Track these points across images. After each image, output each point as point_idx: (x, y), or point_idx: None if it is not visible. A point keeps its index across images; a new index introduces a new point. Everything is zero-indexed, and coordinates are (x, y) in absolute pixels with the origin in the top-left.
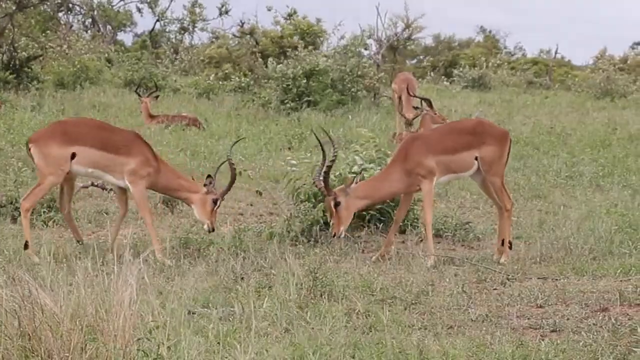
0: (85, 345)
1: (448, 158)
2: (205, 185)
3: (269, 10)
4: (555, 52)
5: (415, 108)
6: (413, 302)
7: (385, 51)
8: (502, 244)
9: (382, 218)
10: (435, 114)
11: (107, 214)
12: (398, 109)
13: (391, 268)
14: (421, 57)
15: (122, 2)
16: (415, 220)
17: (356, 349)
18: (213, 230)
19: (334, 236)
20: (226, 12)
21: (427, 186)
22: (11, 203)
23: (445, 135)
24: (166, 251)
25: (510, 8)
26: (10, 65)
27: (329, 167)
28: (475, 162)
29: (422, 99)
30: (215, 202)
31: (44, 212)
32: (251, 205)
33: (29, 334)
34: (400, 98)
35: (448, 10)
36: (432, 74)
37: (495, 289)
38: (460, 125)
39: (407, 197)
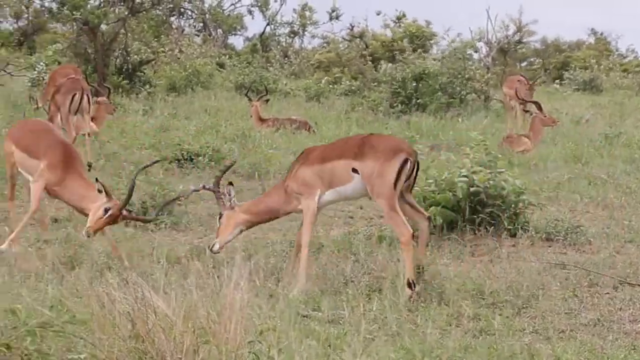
0: (198, 347)
1: (320, 167)
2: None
3: (378, 14)
4: None
5: (525, 111)
6: (523, 306)
7: (495, 54)
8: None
9: (492, 221)
10: (545, 116)
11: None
12: (509, 112)
13: (501, 272)
14: (532, 59)
15: (232, 6)
16: (526, 224)
17: (466, 352)
18: (88, 235)
19: (211, 249)
20: (337, 17)
21: (306, 202)
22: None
23: (325, 146)
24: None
25: (620, 12)
26: (123, 70)
27: (222, 172)
28: (355, 175)
29: (531, 102)
30: (106, 210)
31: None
32: (361, 208)
33: (142, 337)
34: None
35: (554, 12)
36: (543, 76)
37: (607, 293)
38: (346, 137)
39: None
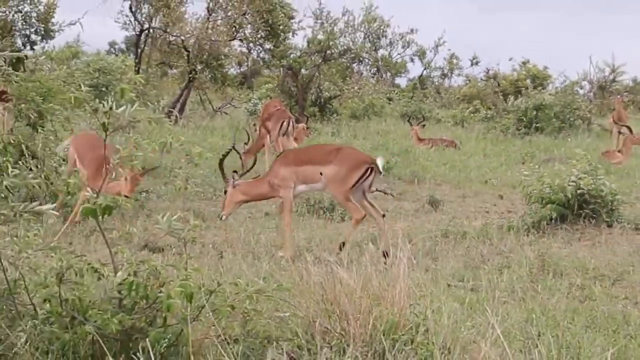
0: (372, 308)
1: (296, 169)
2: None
3: (510, 60)
4: None
5: (619, 133)
6: (618, 278)
7: (595, 90)
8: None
9: (593, 215)
10: (635, 137)
11: (387, 211)
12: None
13: (601, 253)
14: (625, 94)
15: (398, 55)
16: (620, 217)
17: (575, 313)
18: (220, 218)
19: (220, 218)
20: (476, 63)
21: (284, 193)
22: (318, 203)
23: (301, 150)
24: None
25: None
26: (317, 103)
27: (223, 156)
28: (322, 177)
29: (624, 126)
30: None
31: (340, 209)
32: (495, 205)
33: (330, 300)
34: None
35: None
36: (632, 107)
37: None
38: (319, 146)
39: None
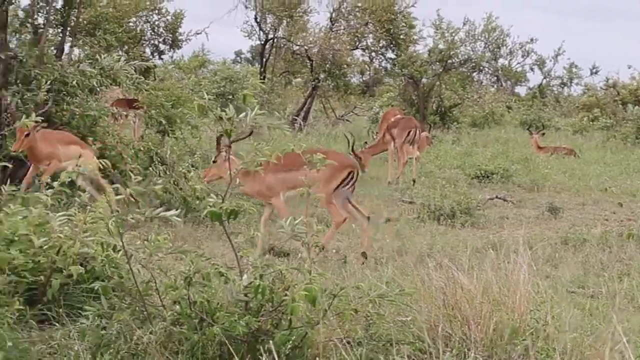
0: (492, 313)
1: (283, 176)
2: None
3: (629, 67)
4: None
5: None
6: None
7: None
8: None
9: None
10: None
11: (507, 218)
12: None
13: None
14: None
15: (518, 65)
16: None
17: None
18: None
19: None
20: (596, 72)
21: (276, 202)
22: (439, 210)
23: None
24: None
25: None
26: (438, 111)
27: (220, 135)
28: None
29: None
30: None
31: (460, 216)
32: (614, 213)
33: (451, 305)
34: None
35: None
36: None
37: None
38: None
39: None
